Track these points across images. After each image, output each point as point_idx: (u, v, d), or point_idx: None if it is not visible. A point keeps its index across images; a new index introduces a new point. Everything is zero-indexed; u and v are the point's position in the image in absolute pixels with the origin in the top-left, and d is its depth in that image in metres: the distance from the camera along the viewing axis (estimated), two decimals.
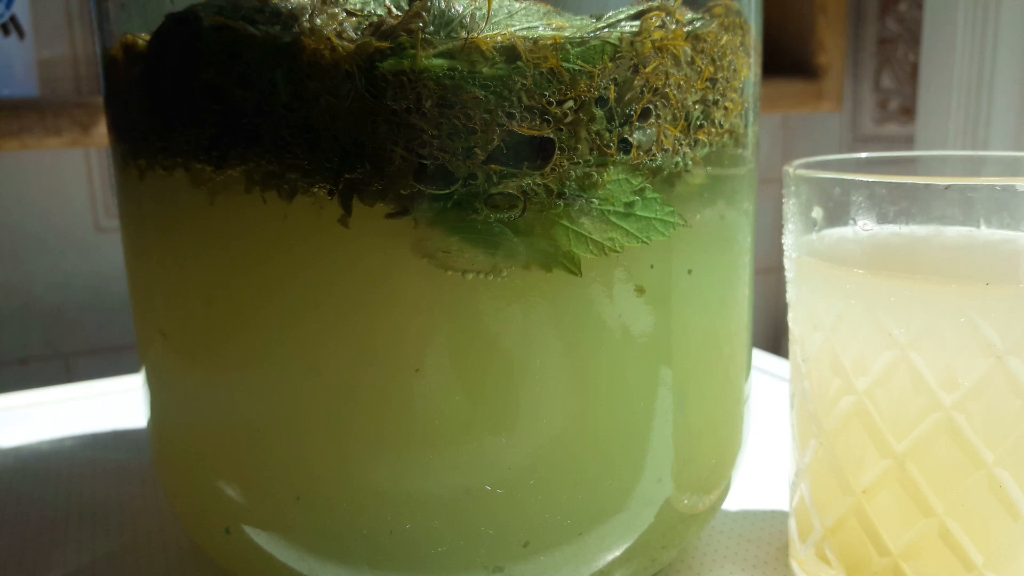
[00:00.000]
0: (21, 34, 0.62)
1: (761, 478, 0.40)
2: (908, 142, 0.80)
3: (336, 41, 0.22)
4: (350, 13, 0.23)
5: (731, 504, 0.38)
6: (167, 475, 0.31)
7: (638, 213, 0.25)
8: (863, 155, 0.32)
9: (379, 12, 0.23)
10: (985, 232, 0.28)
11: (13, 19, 0.61)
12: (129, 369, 0.71)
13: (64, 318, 0.72)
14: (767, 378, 0.55)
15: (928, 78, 0.74)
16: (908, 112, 0.80)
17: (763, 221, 0.45)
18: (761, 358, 0.59)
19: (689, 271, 0.27)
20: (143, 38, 0.25)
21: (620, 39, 0.24)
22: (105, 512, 0.39)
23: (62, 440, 0.47)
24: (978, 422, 0.26)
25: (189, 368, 0.28)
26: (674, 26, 0.25)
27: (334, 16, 0.23)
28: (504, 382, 0.25)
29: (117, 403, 0.53)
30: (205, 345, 0.27)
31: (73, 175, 0.70)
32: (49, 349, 0.73)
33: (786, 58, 0.80)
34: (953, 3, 0.71)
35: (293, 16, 0.23)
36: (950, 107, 0.72)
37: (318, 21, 0.23)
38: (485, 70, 0.23)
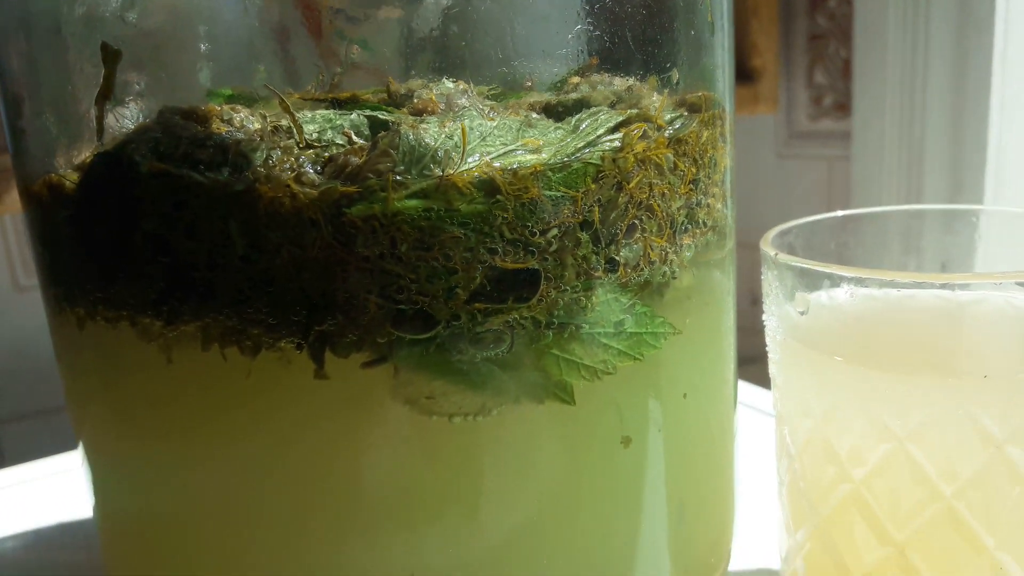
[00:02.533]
0: None
1: (746, 528, 0.40)
2: (844, 137, 0.81)
3: (296, 188, 0.20)
4: (308, 145, 0.21)
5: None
6: None
7: (628, 330, 0.24)
8: (840, 213, 0.31)
9: (338, 141, 0.21)
10: (963, 296, 0.28)
11: None
12: (62, 433, 0.67)
13: None
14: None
15: (862, 74, 0.74)
16: (842, 108, 0.81)
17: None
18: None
19: (681, 373, 0.26)
20: (70, 178, 0.23)
21: (602, 158, 0.22)
22: None
23: (2, 540, 0.44)
24: (978, 510, 0.26)
25: (145, 511, 0.26)
26: (655, 133, 0.23)
27: (289, 150, 0.21)
28: (500, 522, 0.23)
29: (58, 487, 0.50)
30: (168, 501, 0.24)
31: None
32: None
33: None
34: None
35: (242, 153, 0.21)
36: (885, 102, 0.73)
37: (272, 161, 0.21)
38: (463, 207, 0.21)
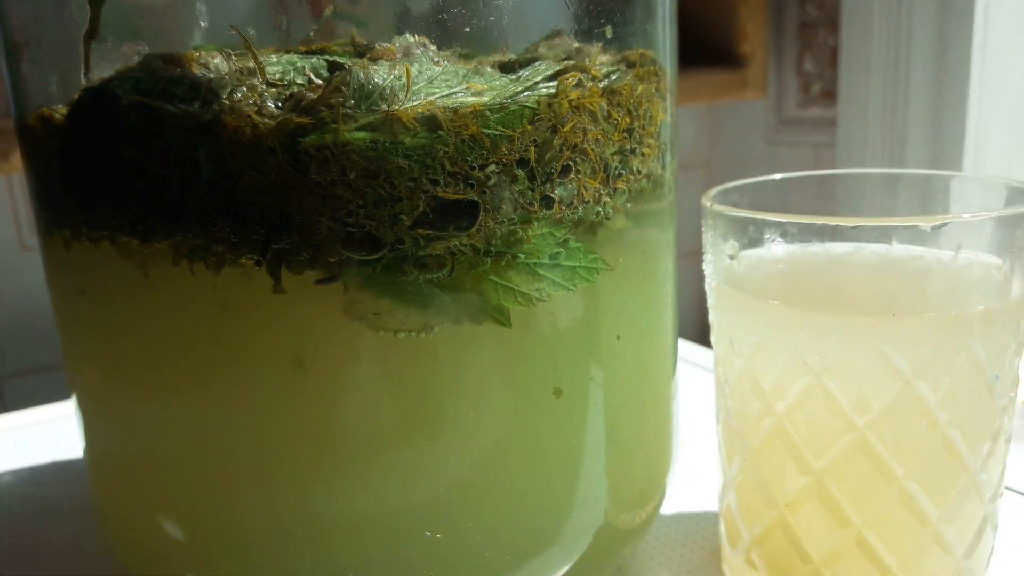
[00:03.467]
0: None
1: (694, 475, 0.42)
2: (831, 124, 0.83)
3: (257, 118, 0.23)
4: (271, 84, 0.23)
5: (666, 507, 0.39)
6: (108, 528, 0.31)
7: (563, 263, 0.26)
8: (778, 176, 0.34)
9: (300, 81, 0.24)
10: (897, 249, 0.30)
11: None
12: (64, 390, 0.69)
13: None
14: (696, 370, 0.57)
15: (847, 62, 0.76)
16: (830, 95, 0.83)
17: (691, 205, 0.46)
18: (690, 349, 0.60)
19: (615, 309, 0.28)
20: (60, 111, 0.25)
21: (538, 102, 0.24)
22: (49, 552, 0.39)
23: (0, 476, 0.47)
24: (889, 441, 0.28)
25: (126, 425, 0.28)
26: (590, 83, 0.25)
27: (254, 88, 0.23)
28: (440, 432, 0.26)
29: (54, 432, 0.53)
30: (144, 405, 0.27)
31: None
32: None
33: (710, 48, 0.82)
34: None
35: (212, 90, 0.23)
36: (869, 89, 0.75)
37: (237, 96, 0.23)
38: (407, 140, 0.23)
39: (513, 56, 0.26)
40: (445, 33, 0.25)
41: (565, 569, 0.29)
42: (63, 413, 0.56)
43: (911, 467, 0.28)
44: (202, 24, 0.25)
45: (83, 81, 0.24)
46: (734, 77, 0.80)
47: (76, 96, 0.25)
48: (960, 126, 0.70)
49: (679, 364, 0.58)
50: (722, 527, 0.34)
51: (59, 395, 0.59)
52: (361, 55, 0.25)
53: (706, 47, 0.82)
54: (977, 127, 0.70)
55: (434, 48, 0.25)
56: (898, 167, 0.76)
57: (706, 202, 0.30)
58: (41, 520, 0.42)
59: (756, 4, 0.79)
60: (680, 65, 0.33)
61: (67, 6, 0.26)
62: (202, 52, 0.24)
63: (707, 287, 0.32)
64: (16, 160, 0.55)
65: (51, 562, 0.38)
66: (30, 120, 0.26)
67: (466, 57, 0.25)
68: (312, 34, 0.26)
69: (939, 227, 0.27)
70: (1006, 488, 0.39)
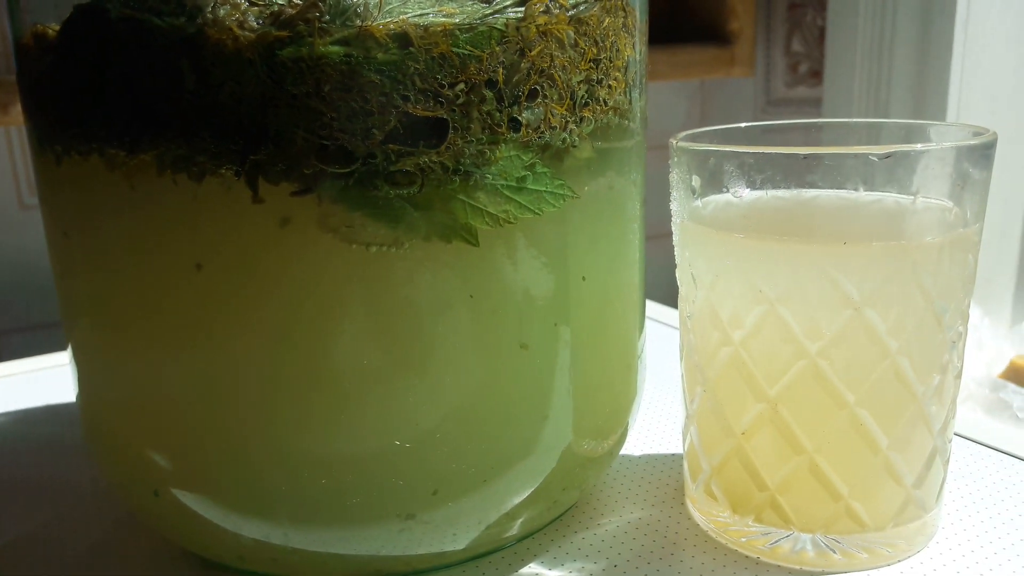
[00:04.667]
0: None
1: (661, 423, 0.43)
2: (818, 104, 0.84)
3: (238, 31, 0.24)
4: (252, 3, 0.25)
5: (634, 449, 0.41)
6: (97, 445, 0.33)
7: (530, 187, 0.27)
8: (762, 123, 0.35)
9: (279, 1, 0.25)
10: (862, 195, 0.31)
11: None
12: (61, 346, 0.71)
13: None
14: (668, 329, 0.58)
15: (833, 42, 0.77)
16: (817, 75, 0.84)
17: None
18: (662, 311, 0.62)
19: (581, 238, 0.30)
20: (53, 28, 0.26)
21: (506, 25, 0.26)
22: (39, 484, 0.40)
23: None
24: (840, 367, 0.29)
25: (113, 344, 0.29)
26: (558, 11, 0.27)
27: (237, 6, 0.25)
28: (409, 346, 0.27)
29: (48, 378, 0.54)
30: (127, 321, 0.28)
31: None
32: None
33: (699, 25, 0.83)
34: None
35: (197, 6, 0.24)
36: (854, 69, 0.76)
37: (221, 12, 0.24)
38: (380, 56, 0.24)
39: None
40: None
41: (531, 488, 0.31)
42: (58, 362, 0.57)
43: (861, 394, 0.29)
44: None
45: None
46: (723, 54, 0.81)
47: (69, 14, 0.26)
48: (942, 104, 0.71)
49: (657, 326, 0.59)
50: (685, 462, 0.35)
51: (56, 350, 0.61)
52: None
53: (695, 24, 0.83)
54: (959, 105, 0.72)
55: None
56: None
57: (673, 140, 0.32)
58: (34, 456, 0.43)
59: None
60: (669, 41, 0.35)
61: None
62: None
63: (673, 226, 0.33)
64: (15, 114, 0.57)
65: (43, 493, 0.39)
66: (25, 39, 0.28)
67: None
68: None
69: (893, 165, 0.28)
70: (975, 442, 0.40)
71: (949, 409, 0.32)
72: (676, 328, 0.59)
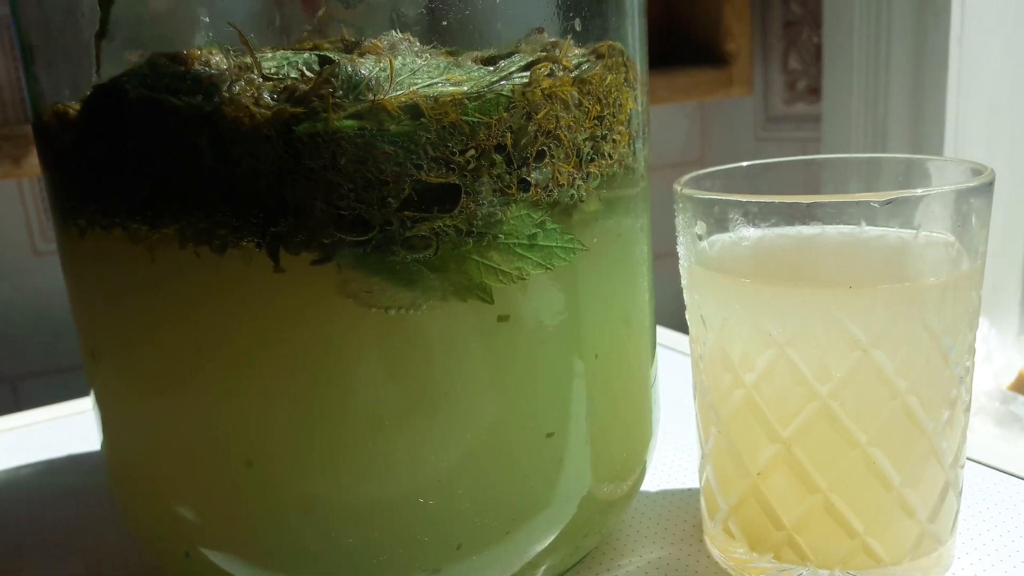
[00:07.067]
0: None
1: (674, 455, 0.44)
2: (816, 120, 0.85)
3: (254, 109, 0.25)
4: (266, 78, 0.26)
5: (650, 484, 0.41)
6: (124, 501, 0.33)
7: (540, 243, 0.28)
8: (762, 161, 0.35)
9: (293, 75, 0.26)
10: (865, 230, 0.32)
11: None
12: (76, 389, 0.71)
13: (7, 342, 0.73)
14: (675, 355, 0.59)
15: (831, 59, 0.78)
16: (815, 92, 0.85)
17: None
18: (671, 337, 0.62)
19: (592, 286, 0.30)
20: (73, 107, 0.27)
21: (512, 91, 0.26)
22: (66, 537, 0.41)
23: (17, 469, 0.49)
24: (850, 408, 0.30)
25: (140, 403, 0.30)
26: (561, 73, 0.27)
27: (251, 82, 0.25)
28: (431, 405, 0.28)
29: (69, 427, 0.55)
30: (156, 381, 0.29)
31: (7, 205, 0.70)
32: None
33: (697, 47, 0.84)
34: None
35: (213, 84, 0.25)
36: (852, 86, 0.77)
37: (236, 89, 0.25)
38: (392, 127, 0.25)
39: (494, 52, 0.28)
40: (431, 33, 0.27)
41: (552, 536, 0.31)
42: (76, 410, 0.58)
43: (872, 433, 0.30)
44: (205, 23, 0.27)
45: (95, 78, 0.26)
46: (721, 75, 0.82)
47: (88, 93, 0.27)
48: (940, 117, 0.72)
49: (667, 352, 0.59)
50: (702, 500, 0.36)
51: (71, 395, 0.61)
52: (350, 51, 0.27)
53: (693, 47, 0.84)
54: (956, 118, 0.72)
55: (419, 44, 0.27)
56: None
57: (677, 187, 0.32)
58: (58, 506, 0.44)
59: (741, 3, 0.81)
60: (668, 64, 0.35)
61: (76, 9, 0.28)
62: (203, 50, 0.26)
63: (680, 268, 0.34)
64: (27, 165, 0.58)
65: (71, 547, 0.39)
66: (46, 117, 0.28)
67: (453, 54, 0.27)
68: (306, 34, 0.28)
69: (895, 205, 0.29)
70: (987, 466, 0.41)
71: (960, 442, 0.32)
72: (682, 353, 0.59)
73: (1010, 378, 0.70)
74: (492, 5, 0.27)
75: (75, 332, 0.32)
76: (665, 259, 0.58)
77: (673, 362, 0.57)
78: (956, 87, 0.71)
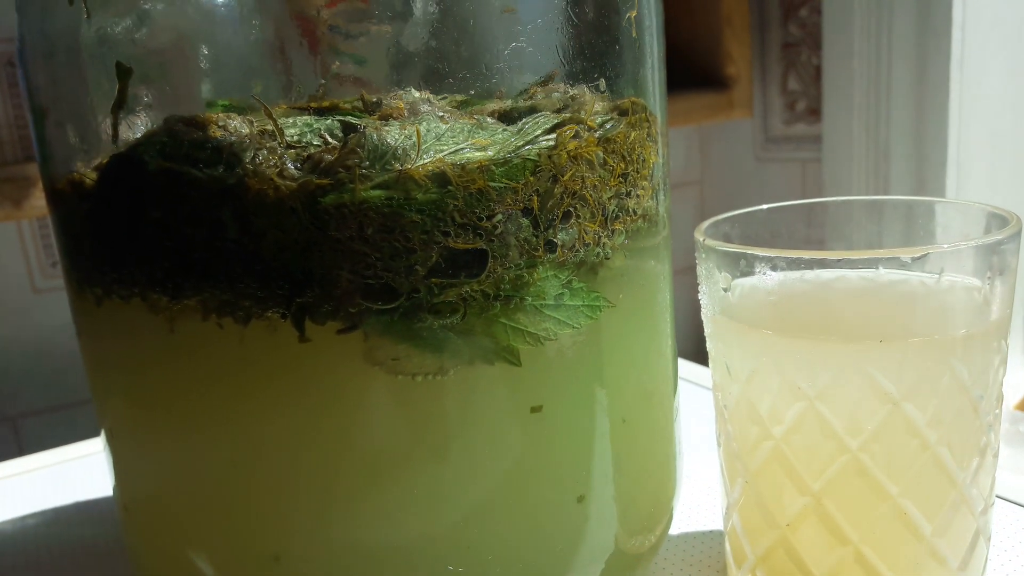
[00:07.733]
0: None
1: (697, 495, 0.43)
2: (816, 140, 0.85)
3: (279, 181, 0.24)
4: (289, 146, 0.25)
5: (673, 527, 0.41)
6: (139, 555, 0.33)
7: (567, 303, 0.28)
8: (766, 207, 0.35)
9: (316, 143, 0.25)
10: (884, 274, 0.31)
11: None
12: (78, 426, 0.71)
13: (8, 381, 0.72)
14: (695, 388, 0.58)
15: (830, 80, 0.78)
16: (815, 112, 0.85)
17: (685, 223, 0.48)
18: (688, 368, 0.62)
19: (618, 340, 0.30)
20: (89, 176, 0.27)
21: (539, 154, 0.26)
22: None
23: (24, 519, 0.48)
24: (881, 461, 0.29)
25: (156, 468, 0.29)
26: (587, 133, 0.27)
27: (274, 151, 0.25)
28: (458, 469, 0.27)
29: (75, 472, 0.54)
30: (176, 456, 0.28)
31: (7, 247, 0.70)
32: None
33: (697, 71, 0.84)
34: (849, 7, 0.75)
35: (234, 153, 0.25)
36: (853, 106, 0.77)
37: (259, 159, 0.24)
38: (420, 196, 0.25)
39: (510, 102, 0.28)
40: (442, 80, 0.26)
41: None
42: (80, 453, 0.57)
43: (904, 485, 0.30)
44: (209, 72, 0.26)
45: (112, 146, 0.26)
46: (721, 98, 0.82)
47: (104, 161, 0.26)
48: (942, 137, 0.72)
49: (681, 384, 0.59)
50: (727, 547, 0.36)
51: (72, 433, 0.61)
52: (370, 112, 0.27)
53: (693, 71, 0.84)
54: (958, 139, 0.72)
55: (438, 102, 0.26)
56: (883, 179, 0.78)
57: (699, 236, 0.32)
58: (68, 561, 0.43)
59: (740, 26, 0.81)
60: (669, 89, 0.35)
61: (84, 71, 0.28)
62: (221, 115, 0.26)
63: (703, 316, 0.33)
64: (27, 207, 0.57)
65: None
66: (60, 184, 0.28)
67: (464, 104, 0.27)
68: (320, 90, 0.27)
69: (921, 256, 0.29)
70: (999, 497, 0.40)
71: (990, 488, 0.32)
72: (697, 385, 0.59)
73: (1018, 396, 0.70)
74: (495, 48, 0.27)
75: (75, 367, 0.31)
76: (683, 274, 0.58)
77: (690, 393, 0.57)
78: (958, 107, 0.71)
